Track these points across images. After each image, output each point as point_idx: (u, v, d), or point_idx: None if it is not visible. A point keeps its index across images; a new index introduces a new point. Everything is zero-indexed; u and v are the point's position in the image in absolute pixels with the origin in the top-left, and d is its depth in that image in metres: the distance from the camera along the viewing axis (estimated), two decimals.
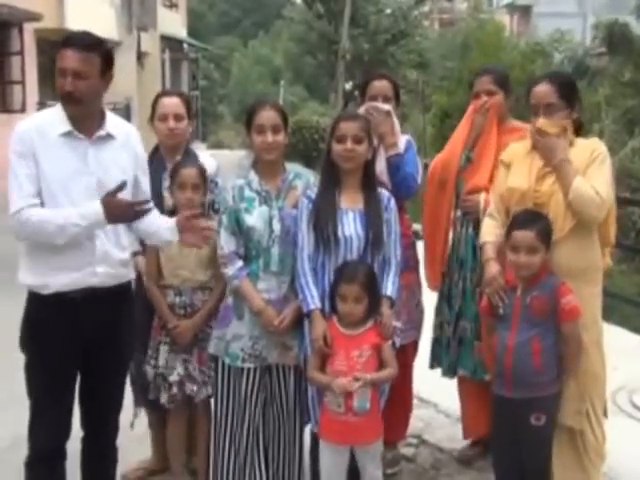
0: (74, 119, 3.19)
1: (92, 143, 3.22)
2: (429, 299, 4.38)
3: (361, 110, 4.10)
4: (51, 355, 3.23)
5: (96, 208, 3.11)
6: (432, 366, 4.39)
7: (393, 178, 4.02)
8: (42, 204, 3.14)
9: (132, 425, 4.14)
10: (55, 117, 3.22)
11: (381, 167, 4.03)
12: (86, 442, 3.49)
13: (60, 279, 3.18)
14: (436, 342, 4.35)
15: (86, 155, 3.20)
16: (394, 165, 4.02)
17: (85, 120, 3.21)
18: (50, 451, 3.31)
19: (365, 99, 4.25)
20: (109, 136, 3.26)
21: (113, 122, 3.31)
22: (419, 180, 4.13)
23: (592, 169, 3.56)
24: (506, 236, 3.52)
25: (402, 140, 4.16)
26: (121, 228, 3.32)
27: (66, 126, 3.18)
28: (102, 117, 3.27)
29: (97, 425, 3.47)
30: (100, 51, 3.17)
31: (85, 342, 3.27)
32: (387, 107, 4.12)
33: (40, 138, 3.15)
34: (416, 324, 4.25)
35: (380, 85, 4.25)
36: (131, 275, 3.48)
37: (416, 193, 4.18)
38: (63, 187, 3.16)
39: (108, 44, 3.36)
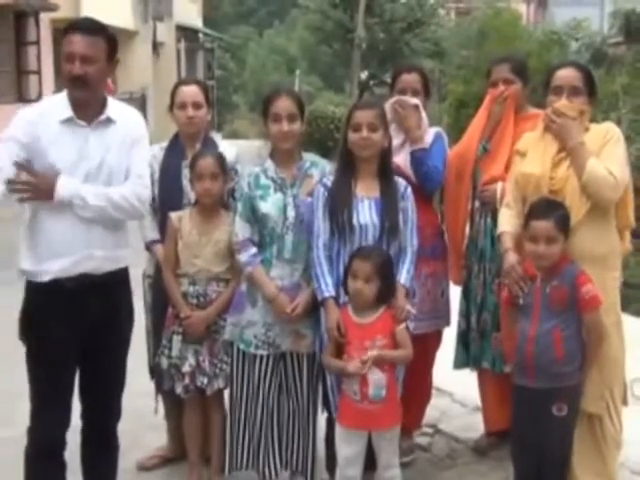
0: (77, 105, 3.19)
1: (93, 129, 3.22)
2: (455, 290, 4.35)
3: (388, 104, 4.06)
4: (50, 345, 3.19)
5: None
6: (456, 366, 4.35)
7: (416, 172, 4.00)
8: None
9: (156, 411, 4.19)
10: (59, 103, 3.23)
11: (405, 159, 4.02)
12: (87, 432, 3.45)
13: (56, 264, 3.15)
14: (458, 339, 4.31)
15: (87, 141, 3.20)
16: (418, 159, 4.00)
17: (88, 106, 3.21)
18: (51, 441, 3.27)
19: (394, 92, 4.19)
20: (109, 120, 3.25)
21: (114, 107, 3.31)
22: (445, 173, 4.09)
23: (605, 150, 3.55)
24: (524, 226, 3.50)
25: (430, 133, 4.12)
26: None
27: (67, 112, 3.19)
28: (104, 103, 3.27)
29: (98, 413, 3.42)
30: (105, 35, 3.19)
31: (83, 331, 3.23)
32: (414, 101, 4.06)
33: (43, 125, 3.16)
34: (441, 313, 4.22)
35: (409, 78, 4.18)
36: (128, 260, 3.40)
37: (441, 185, 4.16)
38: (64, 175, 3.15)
39: (123, 34, 3.34)
